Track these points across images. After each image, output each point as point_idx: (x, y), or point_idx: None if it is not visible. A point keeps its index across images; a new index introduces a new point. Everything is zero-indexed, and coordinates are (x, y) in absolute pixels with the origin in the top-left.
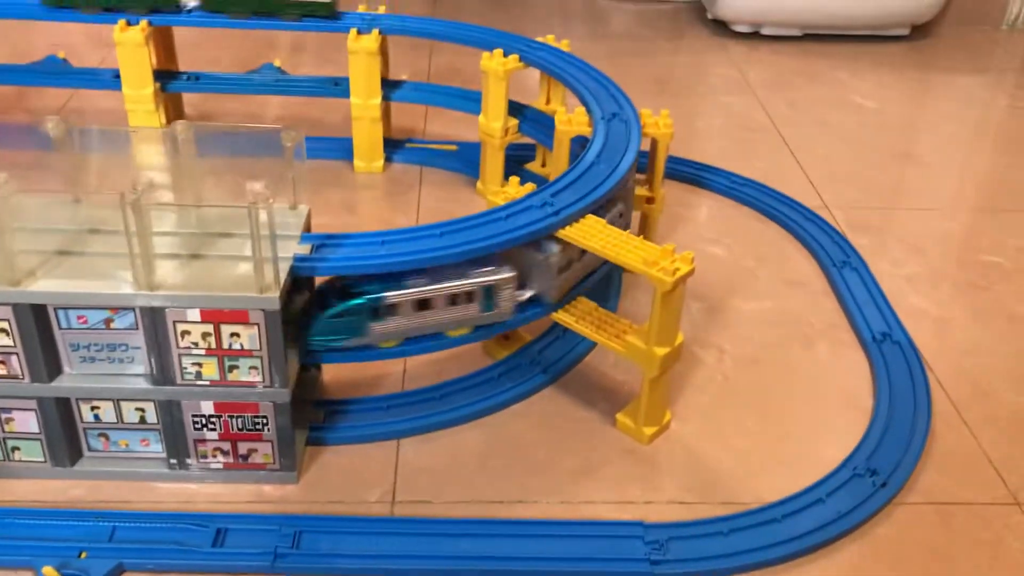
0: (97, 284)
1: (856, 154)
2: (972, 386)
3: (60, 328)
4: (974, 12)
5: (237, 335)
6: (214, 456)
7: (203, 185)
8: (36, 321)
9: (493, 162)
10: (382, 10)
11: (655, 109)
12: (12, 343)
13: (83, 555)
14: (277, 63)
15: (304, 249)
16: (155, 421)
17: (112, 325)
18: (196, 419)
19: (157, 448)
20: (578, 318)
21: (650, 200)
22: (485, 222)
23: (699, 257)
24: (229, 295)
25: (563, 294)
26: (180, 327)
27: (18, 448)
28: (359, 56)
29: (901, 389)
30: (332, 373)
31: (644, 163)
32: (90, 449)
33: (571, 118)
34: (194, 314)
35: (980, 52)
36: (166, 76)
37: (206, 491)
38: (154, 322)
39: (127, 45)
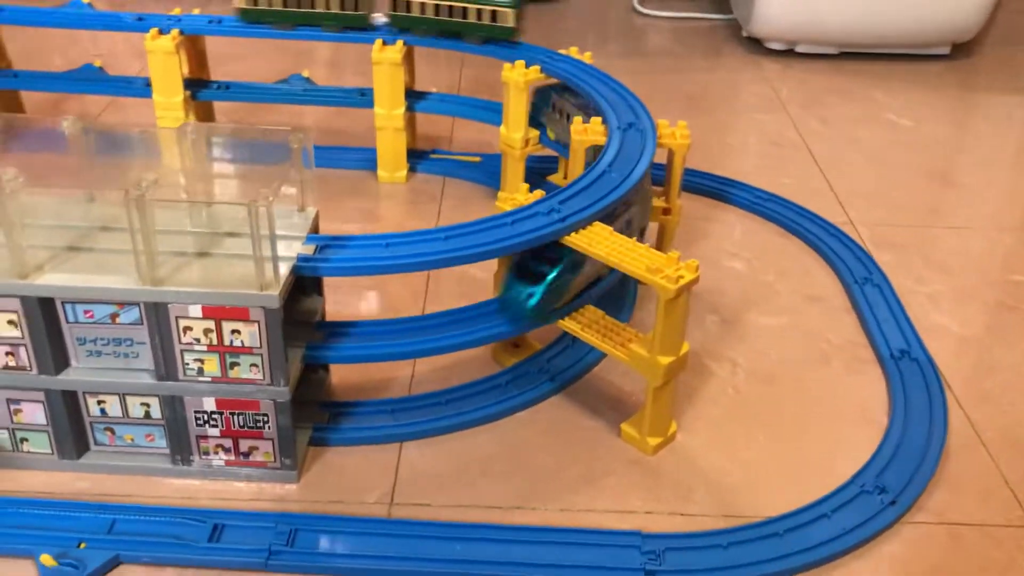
0: (102, 279)
1: (886, 172)
2: (992, 406)
3: (67, 322)
4: (1017, 31)
5: (238, 332)
6: (216, 453)
7: (214, 184)
8: (44, 314)
9: (513, 173)
10: None
11: (688, 123)
12: (20, 335)
13: (82, 545)
14: (305, 74)
15: (308, 249)
16: (159, 416)
17: (118, 320)
18: (198, 415)
19: (162, 443)
20: (584, 326)
21: (667, 211)
22: (490, 227)
23: (718, 271)
24: (230, 292)
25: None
26: (183, 323)
27: (26, 439)
28: (383, 67)
29: (917, 407)
30: (340, 375)
31: (662, 175)
32: (96, 443)
33: (587, 127)
34: (196, 310)
35: (1022, 72)
36: (197, 85)
37: (208, 487)
38: (157, 317)
39: (158, 53)
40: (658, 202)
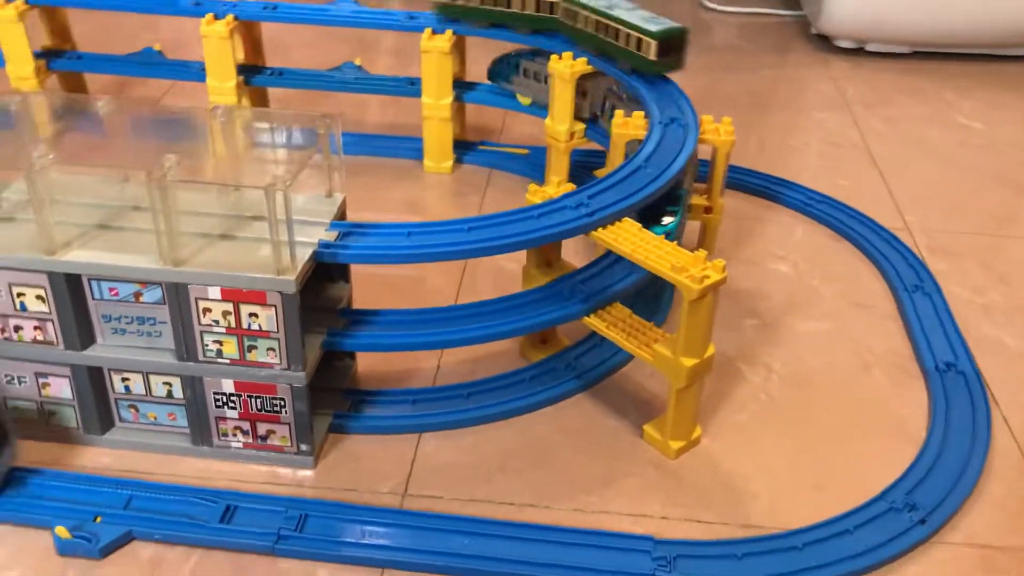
0: (126, 258)
1: (950, 176)
2: None
3: (93, 299)
4: None
5: (255, 316)
6: (234, 435)
7: (244, 167)
8: (70, 290)
9: (558, 165)
10: None
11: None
12: (48, 310)
13: (98, 519)
14: (357, 62)
15: (330, 236)
16: (181, 396)
17: (141, 299)
18: (217, 397)
19: (183, 423)
20: (609, 324)
21: (708, 210)
22: (515, 220)
23: (762, 273)
24: (247, 275)
25: None
26: (202, 304)
27: (54, 413)
28: (431, 56)
29: (959, 422)
30: (367, 364)
31: (706, 172)
32: (121, 419)
33: (628, 121)
34: (215, 292)
35: None
36: (251, 70)
37: (226, 469)
38: (178, 298)
39: (212, 38)
40: (700, 200)
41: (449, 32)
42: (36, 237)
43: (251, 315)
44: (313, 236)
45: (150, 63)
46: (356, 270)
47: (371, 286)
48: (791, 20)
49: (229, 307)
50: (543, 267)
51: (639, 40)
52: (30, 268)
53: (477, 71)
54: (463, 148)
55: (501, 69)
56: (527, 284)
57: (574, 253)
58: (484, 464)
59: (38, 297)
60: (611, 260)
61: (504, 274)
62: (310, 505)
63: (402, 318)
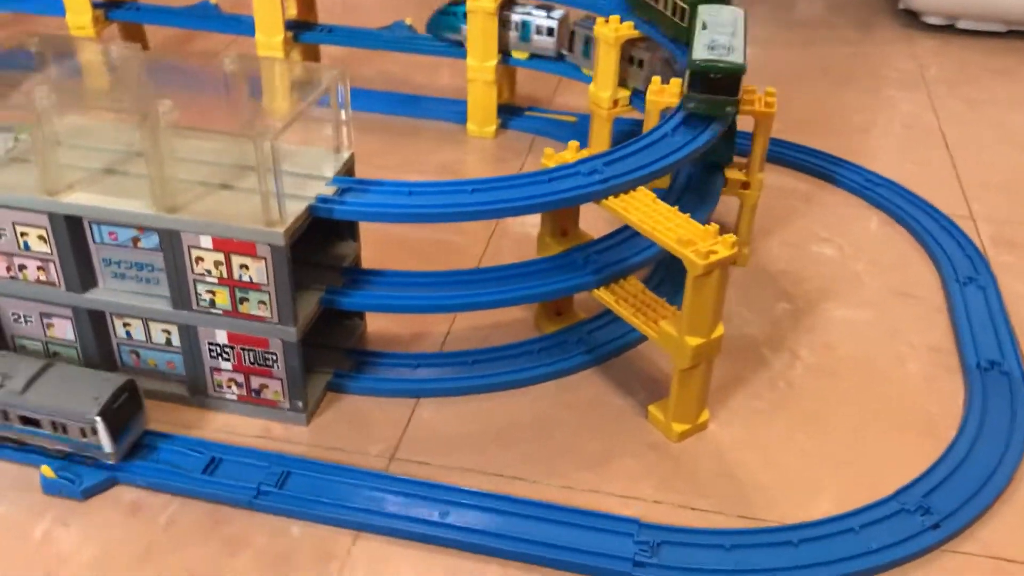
0: (124, 202)
1: None
2: None
3: (94, 242)
4: None
5: (246, 267)
6: (229, 387)
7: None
8: (70, 232)
9: (600, 133)
10: None
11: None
12: (49, 251)
13: (87, 461)
14: (408, 21)
15: (330, 191)
16: (179, 345)
17: (139, 244)
18: (212, 347)
19: (181, 372)
20: (619, 298)
21: (745, 185)
22: (523, 183)
23: (803, 255)
24: (237, 226)
25: None
26: (195, 253)
27: (57, 353)
28: (477, 16)
29: (995, 425)
30: (377, 325)
31: (746, 145)
32: (123, 364)
33: (664, 88)
34: (207, 241)
35: None
36: (301, 27)
37: (219, 420)
38: (172, 245)
39: None
40: (737, 175)
41: None
42: (37, 178)
43: (242, 266)
44: (312, 191)
45: (206, 16)
46: (379, 231)
47: (392, 247)
48: None
49: (221, 257)
50: (558, 236)
51: (675, 5)
52: (32, 208)
53: None
54: (510, 113)
55: (440, 20)
56: (541, 252)
57: (608, 223)
58: (479, 434)
59: (40, 237)
60: (630, 232)
61: (530, 241)
62: (294, 463)
63: (404, 280)
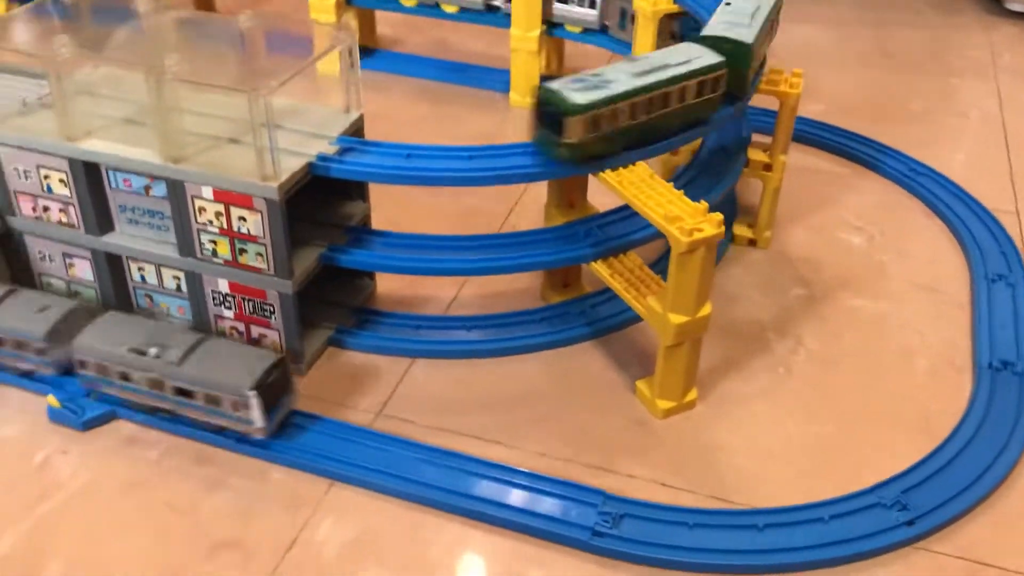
0: (135, 151)
1: None
2: None
3: (110, 188)
4: None
5: (244, 219)
6: (231, 335)
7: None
8: (88, 177)
9: None
10: None
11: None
12: (69, 194)
13: (92, 395)
14: None
15: (332, 150)
16: (186, 291)
17: (150, 192)
18: (215, 295)
19: (189, 317)
20: (614, 272)
21: (768, 167)
22: (517, 152)
23: (829, 242)
24: (234, 178)
25: None
26: (198, 203)
27: (79, 293)
28: None
29: (995, 426)
30: (387, 285)
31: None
32: (138, 307)
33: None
34: (208, 192)
35: None
36: None
37: None
38: (177, 194)
39: None
40: (759, 155)
41: None
42: (57, 124)
43: (240, 218)
44: (315, 149)
45: None
46: (404, 194)
47: (415, 208)
48: None
49: (221, 208)
50: (564, 207)
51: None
52: (52, 152)
53: None
54: None
55: None
56: (548, 222)
57: None
58: (466, 397)
59: (61, 181)
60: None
61: None
62: None
63: (404, 241)
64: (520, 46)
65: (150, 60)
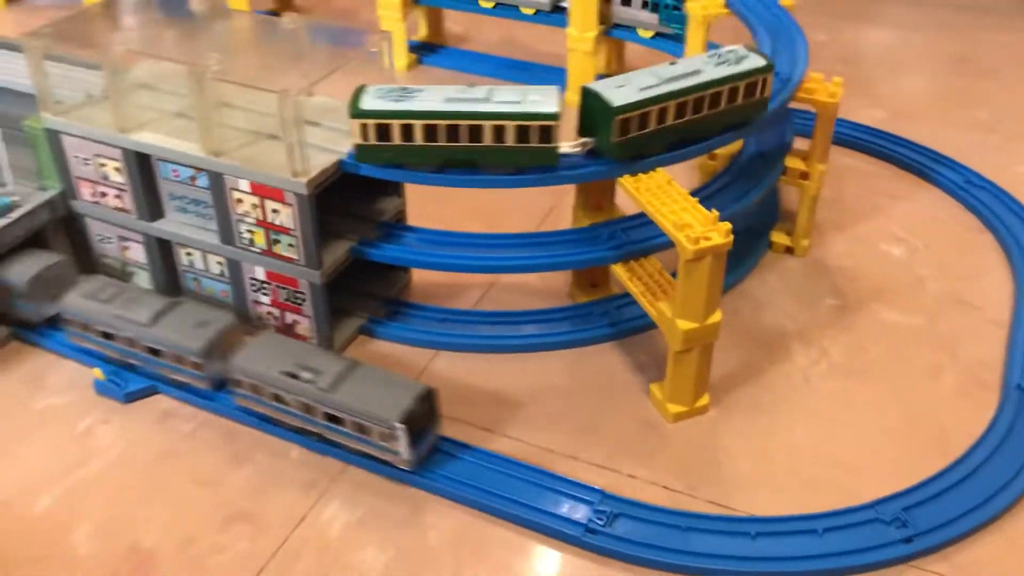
0: (181, 143)
1: None
2: None
3: (161, 178)
4: None
5: (277, 212)
6: (267, 319)
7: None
8: (140, 167)
9: None
10: None
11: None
12: (124, 181)
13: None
14: None
15: None
16: (229, 276)
17: (196, 183)
18: (252, 282)
19: (231, 300)
20: (634, 275)
21: (805, 175)
22: None
23: (868, 252)
24: (268, 173)
25: None
26: (236, 195)
27: (134, 273)
28: None
29: (1013, 449)
30: (422, 277)
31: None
32: (187, 289)
33: (706, 3)
34: (245, 185)
35: None
36: None
37: None
38: (218, 186)
39: None
40: (798, 164)
41: None
42: (114, 116)
43: (274, 211)
44: (346, 146)
45: None
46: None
47: (455, 204)
48: None
49: (257, 200)
50: (591, 209)
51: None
52: (108, 142)
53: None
54: None
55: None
56: (575, 223)
57: None
58: (482, 389)
59: (116, 169)
60: None
61: None
62: None
63: (431, 237)
64: (576, 46)
65: (196, 58)
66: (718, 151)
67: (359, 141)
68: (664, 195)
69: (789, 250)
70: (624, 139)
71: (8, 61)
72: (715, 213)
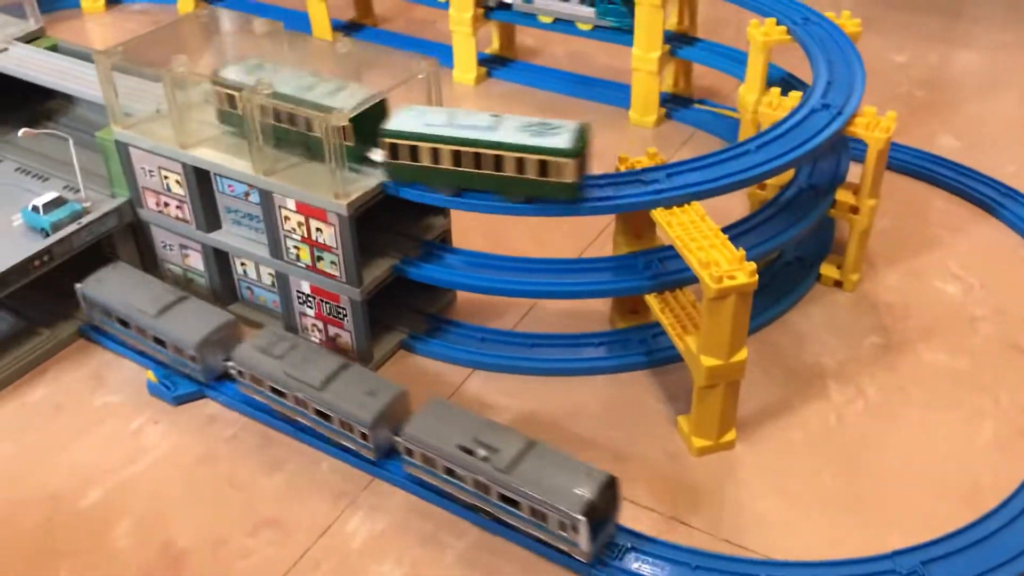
0: (236, 161)
1: None
2: None
3: (219, 192)
4: None
5: (320, 230)
6: (312, 331)
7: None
8: (198, 180)
9: (747, 134)
10: None
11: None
12: (184, 194)
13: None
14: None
15: None
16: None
17: (249, 198)
18: (299, 295)
19: (280, 310)
20: (666, 307)
21: (855, 209)
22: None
23: (920, 289)
24: (312, 194)
25: None
26: (283, 212)
27: (192, 281)
28: (644, 7)
29: None
30: (467, 295)
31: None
32: (242, 297)
33: (782, 102)
34: (291, 203)
35: None
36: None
37: None
38: (267, 202)
39: None
40: (846, 197)
41: None
42: (175, 132)
43: (317, 229)
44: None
45: None
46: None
47: (501, 228)
48: None
49: (302, 219)
50: (631, 237)
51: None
52: (170, 156)
53: (706, 28)
54: (678, 103)
55: None
56: (615, 250)
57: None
58: (514, 411)
59: (177, 182)
60: None
61: None
62: None
63: (470, 259)
64: (640, 66)
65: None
66: (768, 180)
67: (387, 159)
68: (695, 230)
69: (838, 284)
70: (396, 163)
71: (89, 71)
72: (741, 252)
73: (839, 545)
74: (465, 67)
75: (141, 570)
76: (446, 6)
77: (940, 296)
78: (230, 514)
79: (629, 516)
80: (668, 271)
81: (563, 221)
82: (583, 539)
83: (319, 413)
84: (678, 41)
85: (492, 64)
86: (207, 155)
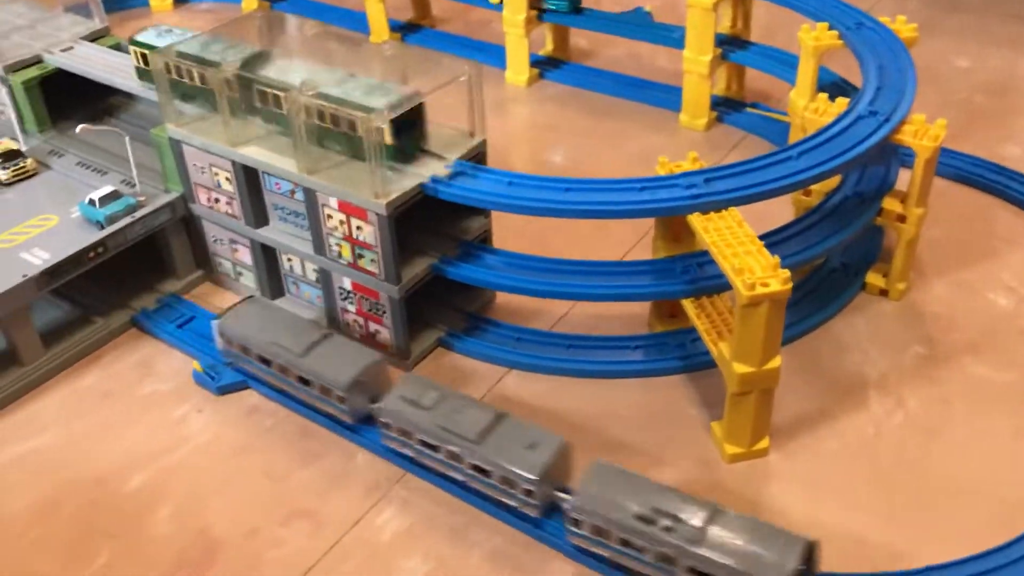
0: (282, 160)
1: None
2: None
3: (266, 189)
4: None
5: (361, 229)
6: (354, 327)
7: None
8: (247, 178)
9: (797, 138)
10: None
11: (942, 124)
12: (233, 191)
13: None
14: (648, 8)
15: (445, 172)
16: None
17: (295, 196)
18: (341, 291)
19: (324, 306)
20: (702, 312)
21: (902, 218)
22: (616, 188)
23: (969, 300)
24: (352, 193)
25: None
26: (326, 210)
27: (242, 274)
28: (695, 10)
29: None
30: (506, 295)
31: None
32: (288, 292)
33: (828, 108)
34: (333, 202)
35: None
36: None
37: None
38: (311, 200)
39: None
40: (893, 205)
41: None
42: (224, 131)
43: (358, 228)
44: (430, 170)
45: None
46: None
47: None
48: None
49: (344, 217)
50: (670, 240)
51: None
52: (220, 154)
53: (759, 32)
54: (730, 106)
55: None
56: (654, 254)
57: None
58: (547, 410)
59: (227, 179)
60: None
61: None
62: None
63: (508, 260)
64: (692, 68)
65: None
66: (813, 187)
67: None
68: (731, 236)
69: (884, 292)
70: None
71: None
72: (776, 259)
73: (870, 558)
74: (518, 68)
75: (177, 555)
76: (499, 8)
77: (990, 308)
78: (264, 504)
79: None
80: (706, 276)
81: (605, 224)
82: None
83: (477, 468)
84: (731, 44)
85: (545, 66)
86: (255, 153)
